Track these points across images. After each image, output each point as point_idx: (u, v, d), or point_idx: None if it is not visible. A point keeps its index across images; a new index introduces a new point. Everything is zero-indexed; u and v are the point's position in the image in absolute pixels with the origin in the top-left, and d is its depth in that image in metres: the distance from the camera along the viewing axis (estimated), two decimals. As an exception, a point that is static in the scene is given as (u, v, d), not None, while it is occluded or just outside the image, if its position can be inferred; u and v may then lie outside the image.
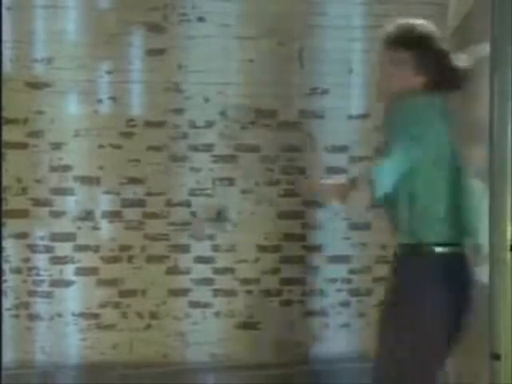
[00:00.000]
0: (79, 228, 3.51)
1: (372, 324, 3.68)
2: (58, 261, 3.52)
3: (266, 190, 3.56)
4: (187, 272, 3.56)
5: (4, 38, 3.36)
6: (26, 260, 3.51)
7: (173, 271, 3.50)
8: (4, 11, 3.35)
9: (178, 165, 3.53)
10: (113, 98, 3.47)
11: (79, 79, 3.45)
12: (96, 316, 3.56)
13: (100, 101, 3.47)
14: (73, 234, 3.52)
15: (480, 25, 3.41)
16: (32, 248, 3.51)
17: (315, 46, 3.52)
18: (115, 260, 3.54)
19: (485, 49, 3.40)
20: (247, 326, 3.61)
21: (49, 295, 3.54)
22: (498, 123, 3.44)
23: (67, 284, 3.54)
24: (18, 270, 3.51)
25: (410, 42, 2.32)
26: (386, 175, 2.17)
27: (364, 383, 2.32)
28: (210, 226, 3.56)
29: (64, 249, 3.52)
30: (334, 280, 3.65)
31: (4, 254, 3.48)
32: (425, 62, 2.34)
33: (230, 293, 3.58)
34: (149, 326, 3.58)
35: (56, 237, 3.51)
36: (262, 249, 3.59)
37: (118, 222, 3.52)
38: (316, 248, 3.63)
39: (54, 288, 3.53)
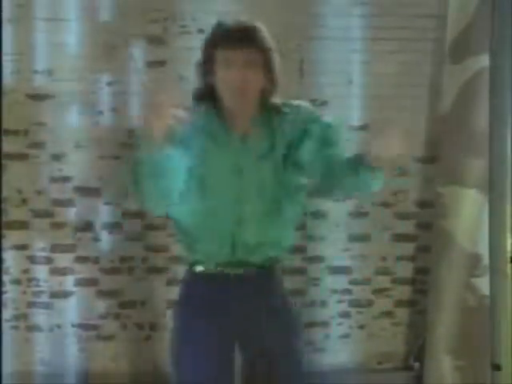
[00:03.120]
0: (79, 239, 3.51)
1: (372, 335, 3.69)
2: (57, 272, 3.52)
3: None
4: (187, 283, 3.56)
5: (5, 49, 3.37)
6: (26, 271, 3.51)
7: (173, 282, 3.50)
8: (5, 23, 3.37)
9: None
10: (113, 110, 3.48)
11: (80, 91, 3.46)
12: (96, 327, 3.55)
13: (100, 112, 3.48)
14: (73, 246, 3.52)
15: (479, 37, 3.44)
16: (32, 259, 3.51)
17: (315, 57, 3.53)
18: (115, 271, 3.53)
19: (484, 60, 3.43)
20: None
21: (48, 306, 3.53)
22: (498, 135, 3.48)
23: (67, 295, 3.54)
24: (17, 282, 3.51)
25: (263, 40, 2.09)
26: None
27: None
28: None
29: (64, 260, 3.52)
30: (334, 291, 3.65)
31: (4, 265, 3.48)
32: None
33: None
34: (149, 338, 3.57)
35: (56, 248, 3.51)
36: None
37: (118, 234, 3.52)
38: (316, 259, 3.63)
39: (53, 299, 3.53)
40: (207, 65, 2.10)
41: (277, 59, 2.13)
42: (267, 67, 2.08)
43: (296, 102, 2.23)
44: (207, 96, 2.13)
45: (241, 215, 2.10)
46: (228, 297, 2.13)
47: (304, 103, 2.26)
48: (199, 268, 2.17)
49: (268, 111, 2.16)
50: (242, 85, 2.03)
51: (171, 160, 1.99)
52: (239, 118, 2.13)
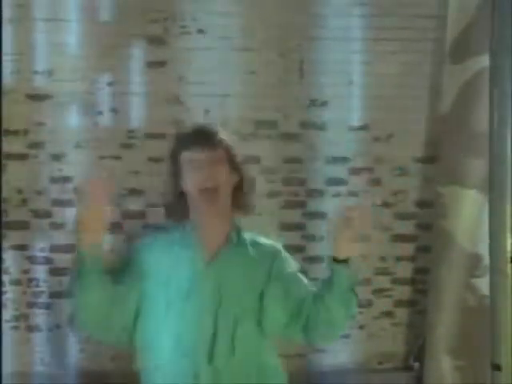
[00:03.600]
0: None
1: (372, 335, 3.69)
2: (57, 272, 3.51)
3: (266, 201, 3.56)
4: (187, 283, 3.56)
5: (5, 50, 3.37)
6: (26, 271, 3.51)
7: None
8: (5, 23, 3.37)
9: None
10: (113, 110, 3.48)
11: (80, 91, 3.46)
12: (96, 328, 3.55)
13: (100, 112, 3.48)
14: (73, 246, 3.51)
15: (479, 37, 3.44)
16: (32, 259, 3.51)
17: (315, 57, 3.54)
18: (115, 271, 3.53)
19: (484, 61, 3.43)
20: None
21: (48, 307, 3.53)
22: (498, 135, 3.48)
23: (67, 295, 3.53)
24: (17, 282, 3.51)
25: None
26: None
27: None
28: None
29: (64, 260, 3.51)
30: (334, 291, 3.64)
31: (4, 265, 3.47)
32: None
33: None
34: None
35: (56, 248, 3.51)
36: (263, 260, 3.58)
37: (119, 234, 3.52)
38: (316, 259, 3.63)
39: (53, 299, 3.53)
40: (176, 171, 2.12)
41: (239, 159, 2.16)
42: (232, 163, 2.12)
43: (268, 242, 2.24)
44: (179, 208, 2.14)
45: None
46: None
47: (276, 245, 2.26)
48: None
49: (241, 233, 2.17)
50: (211, 182, 2.05)
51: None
52: (212, 227, 2.11)
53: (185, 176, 2.09)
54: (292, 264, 2.24)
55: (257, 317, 2.08)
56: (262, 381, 2.10)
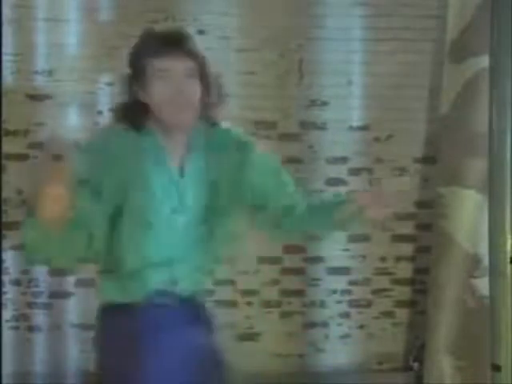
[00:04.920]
0: (79, 240, 3.51)
1: (372, 335, 3.69)
2: (57, 272, 3.51)
3: (266, 201, 3.56)
4: (187, 284, 3.56)
5: (5, 50, 3.37)
6: (26, 272, 3.50)
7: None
8: (5, 24, 3.37)
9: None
10: (113, 110, 3.48)
11: (80, 91, 3.46)
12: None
13: (100, 112, 3.48)
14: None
15: (479, 37, 3.44)
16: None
17: (315, 58, 3.54)
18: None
19: (484, 61, 3.43)
20: (247, 337, 3.61)
21: (48, 307, 3.53)
22: (498, 135, 3.48)
23: (67, 296, 3.53)
24: (17, 282, 3.51)
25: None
26: None
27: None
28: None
29: (64, 260, 3.51)
30: (333, 291, 3.65)
31: (4, 265, 3.47)
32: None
33: (230, 304, 3.57)
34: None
35: (56, 248, 3.50)
36: (263, 260, 3.59)
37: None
38: (316, 260, 3.64)
39: (53, 300, 3.53)
40: (137, 77, 1.90)
41: (210, 69, 2.00)
42: (204, 78, 1.94)
43: (228, 127, 2.11)
44: (135, 113, 1.93)
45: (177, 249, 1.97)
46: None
47: (238, 129, 2.15)
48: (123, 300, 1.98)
49: (204, 131, 2.02)
50: (184, 97, 1.87)
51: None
52: (177, 137, 1.95)
53: (149, 85, 1.87)
54: (271, 157, 2.15)
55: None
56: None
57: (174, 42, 1.87)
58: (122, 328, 1.95)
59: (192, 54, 1.89)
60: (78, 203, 1.73)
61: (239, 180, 2.02)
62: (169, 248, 1.96)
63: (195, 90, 1.90)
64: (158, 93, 1.87)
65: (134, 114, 1.93)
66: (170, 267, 1.97)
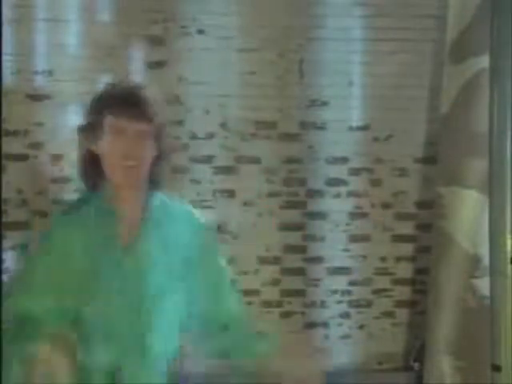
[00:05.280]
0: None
1: (372, 336, 3.69)
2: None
3: (266, 201, 3.56)
4: (187, 284, 3.55)
5: (4, 50, 3.37)
6: (26, 272, 3.50)
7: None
8: (5, 24, 3.37)
9: (179, 176, 3.53)
10: (113, 110, 3.48)
11: (80, 91, 3.45)
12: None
13: (100, 113, 3.47)
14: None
15: (479, 37, 3.44)
16: (32, 260, 3.50)
17: (315, 58, 3.54)
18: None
19: (484, 61, 3.43)
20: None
21: (48, 307, 3.53)
22: (498, 135, 3.48)
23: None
24: (17, 282, 3.51)
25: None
26: None
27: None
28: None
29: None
30: (334, 291, 3.65)
31: (4, 265, 3.47)
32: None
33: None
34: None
35: (56, 248, 3.50)
36: (263, 260, 3.59)
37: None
38: (316, 260, 3.64)
39: (53, 300, 3.53)
40: (93, 129, 1.92)
41: (166, 131, 2.00)
42: (158, 138, 1.94)
43: (186, 208, 2.09)
44: (91, 166, 1.97)
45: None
46: None
47: (195, 212, 2.10)
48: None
49: (160, 205, 2.00)
50: (132, 157, 1.87)
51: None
52: (128, 202, 1.96)
53: (104, 138, 1.90)
54: (215, 249, 2.10)
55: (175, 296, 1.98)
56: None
57: (131, 103, 1.86)
58: None
59: (148, 117, 1.88)
60: None
61: (188, 262, 2.00)
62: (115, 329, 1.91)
63: (145, 151, 1.90)
64: (108, 148, 1.89)
65: (90, 166, 1.96)
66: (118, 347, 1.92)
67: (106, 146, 1.90)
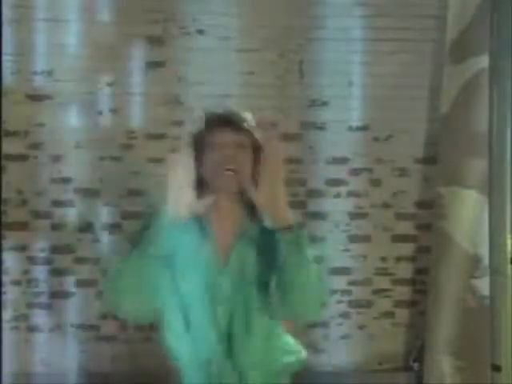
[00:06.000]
0: (79, 240, 3.51)
1: (372, 336, 3.69)
2: (57, 273, 3.52)
3: (266, 201, 3.56)
4: (187, 284, 3.56)
5: (5, 50, 3.38)
6: (26, 272, 3.51)
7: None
8: (5, 24, 3.37)
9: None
10: (113, 110, 3.48)
11: (80, 91, 3.46)
12: (95, 328, 3.55)
13: (100, 113, 3.48)
14: (73, 246, 3.52)
15: (479, 37, 3.44)
16: (32, 260, 3.51)
17: (315, 58, 3.54)
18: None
19: (484, 61, 3.43)
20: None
21: (48, 307, 3.53)
22: (498, 135, 3.48)
23: (67, 296, 3.54)
24: (17, 282, 3.51)
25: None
26: None
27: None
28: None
29: (64, 261, 3.52)
30: (334, 291, 3.65)
31: (4, 266, 3.48)
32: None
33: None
34: (148, 338, 3.57)
35: (56, 249, 3.51)
36: (263, 260, 3.58)
37: (118, 235, 3.52)
38: (316, 260, 3.63)
39: (53, 300, 3.53)
40: (198, 155, 2.03)
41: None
42: (257, 150, 2.01)
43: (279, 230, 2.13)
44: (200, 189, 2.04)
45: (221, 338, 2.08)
46: None
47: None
48: None
49: (255, 225, 2.08)
50: (231, 162, 1.99)
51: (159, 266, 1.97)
52: (226, 218, 2.06)
53: (207, 154, 2.01)
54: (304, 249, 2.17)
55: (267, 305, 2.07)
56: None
57: (228, 119, 2.02)
58: None
59: (242, 130, 2.02)
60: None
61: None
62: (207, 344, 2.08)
63: (244, 158, 2.00)
64: (212, 158, 2.00)
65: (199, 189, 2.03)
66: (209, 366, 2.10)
67: (209, 158, 2.00)
